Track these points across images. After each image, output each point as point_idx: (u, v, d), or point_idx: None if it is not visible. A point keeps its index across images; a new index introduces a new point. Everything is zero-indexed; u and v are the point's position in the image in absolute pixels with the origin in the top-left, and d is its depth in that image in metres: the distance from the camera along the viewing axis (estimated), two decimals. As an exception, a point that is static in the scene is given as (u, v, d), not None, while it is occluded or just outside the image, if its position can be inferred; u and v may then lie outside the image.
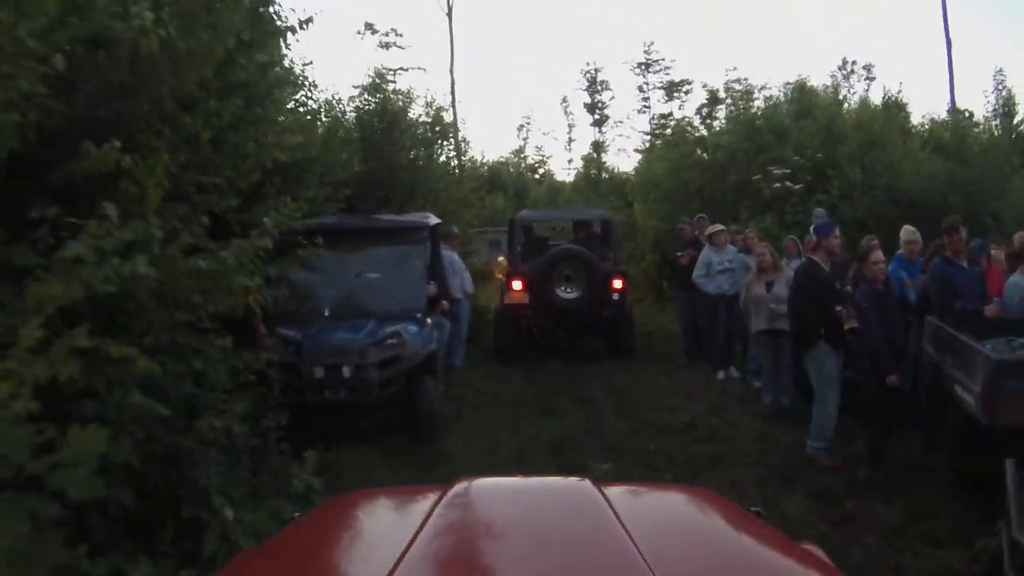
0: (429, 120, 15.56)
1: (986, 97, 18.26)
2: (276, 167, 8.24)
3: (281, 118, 5.97)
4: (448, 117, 18.24)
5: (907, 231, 7.72)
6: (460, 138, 29.92)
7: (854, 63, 38.17)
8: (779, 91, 18.69)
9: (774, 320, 7.95)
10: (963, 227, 6.90)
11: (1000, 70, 18.13)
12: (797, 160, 14.83)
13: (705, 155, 17.28)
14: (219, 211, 5.33)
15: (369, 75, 13.18)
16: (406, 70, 35.37)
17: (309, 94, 10.61)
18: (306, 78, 10.55)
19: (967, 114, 19.27)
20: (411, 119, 13.27)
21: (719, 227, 10.21)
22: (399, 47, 40.32)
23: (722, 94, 20.68)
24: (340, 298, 7.67)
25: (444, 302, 8.97)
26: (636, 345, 11.39)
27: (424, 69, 47.16)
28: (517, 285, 10.82)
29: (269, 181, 7.64)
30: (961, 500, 5.93)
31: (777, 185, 14.25)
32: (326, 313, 7.52)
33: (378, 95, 12.79)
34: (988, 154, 14.00)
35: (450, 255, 10.38)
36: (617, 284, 10.79)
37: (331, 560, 2.12)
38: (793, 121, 16.51)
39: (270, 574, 2.05)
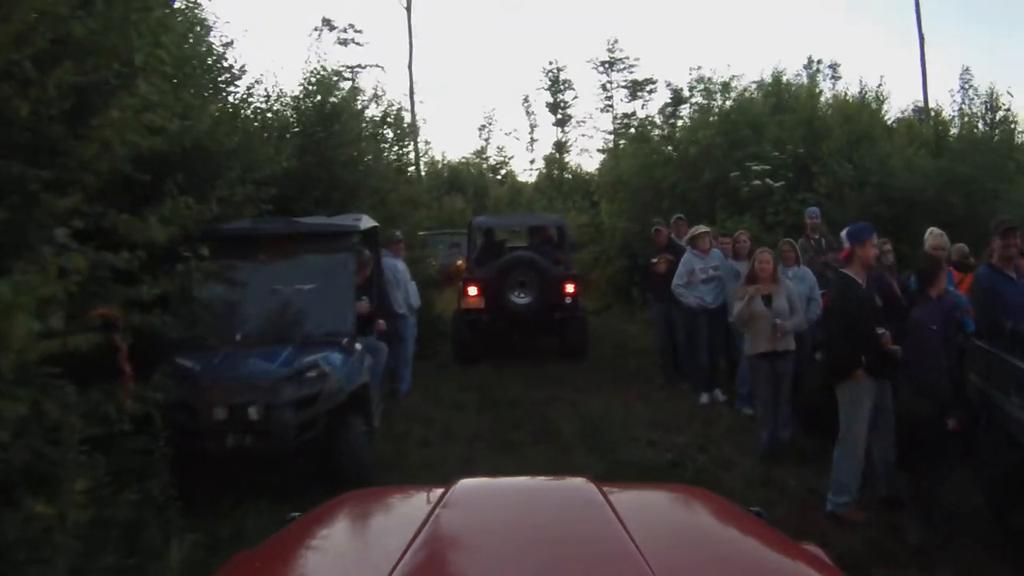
0: (378, 115, 14.43)
1: (952, 96, 17.34)
2: (182, 160, 6.98)
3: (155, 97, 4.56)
4: (406, 115, 17.25)
5: (935, 235, 6.45)
6: (419, 137, 28.93)
7: (819, 62, 37.66)
8: (753, 85, 17.61)
9: (778, 340, 6.72)
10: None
11: (967, 69, 17.19)
12: (777, 156, 13.72)
13: (673, 151, 16.15)
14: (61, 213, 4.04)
15: (310, 63, 11.67)
16: (363, 67, 34.40)
17: (232, 80, 9.35)
18: (223, 58, 9.26)
19: (933, 112, 18.43)
20: (355, 111, 11.82)
21: (703, 228, 8.91)
22: (357, 44, 39.25)
23: (686, 93, 19.90)
24: (249, 320, 6.29)
25: (380, 321, 7.60)
26: (588, 347, 11.47)
27: (382, 67, 46.11)
28: (473, 291, 11.03)
29: (169, 177, 6.44)
30: (1017, 562, 4.81)
31: (757, 182, 13.10)
32: (237, 338, 6.15)
33: (320, 87, 11.30)
34: (984, 151, 12.95)
35: (393, 263, 9.03)
36: (569, 288, 10.99)
37: (331, 560, 2.12)
38: (770, 115, 15.43)
39: (269, 574, 2.03)
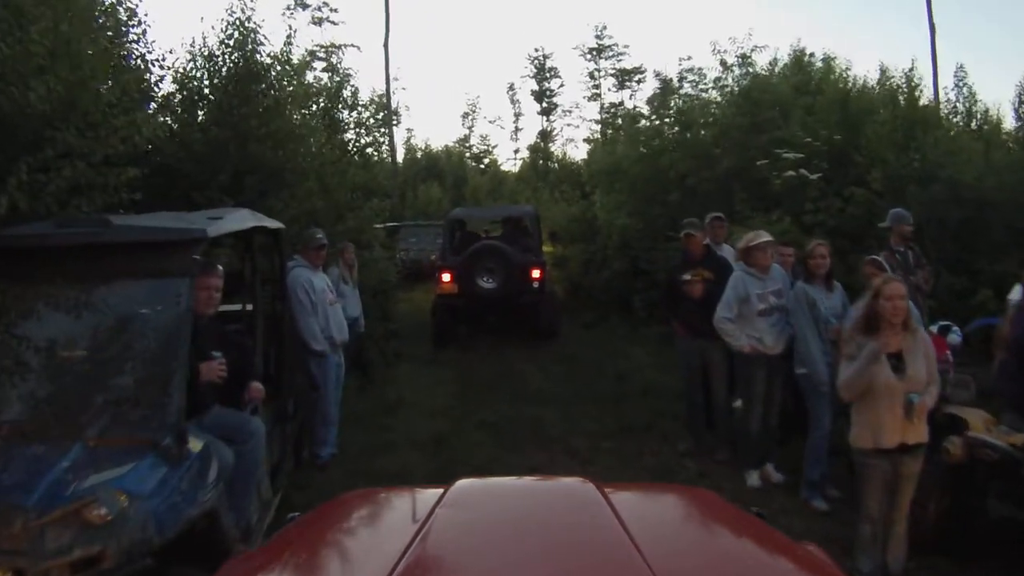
0: (331, 84, 12.41)
1: (946, 94, 15.24)
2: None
3: None
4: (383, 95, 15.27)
5: None
6: (395, 119, 26.60)
7: (812, 55, 35.50)
8: (772, 60, 15.22)
9: (909, 427, 4.16)
10: None
11: (961, 66, 15.04)
12: (809, 142, 11.17)
13: (679, 135, 13.72)
14: None
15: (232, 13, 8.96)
16: (339, 47, 32.01)
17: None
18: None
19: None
20: (287, 72, 9.10)
21: (764, 236, 6.04)
22: (332, 22, 37.01)
23: (676, 83, 18.11)
24: (15, 395, 3.64)
25: (256, 384, 4.75)
26: (560, 328, 12.43)
27: (359, 47, 43.65)
28: (446, 278, 11.91)
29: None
30: None
31: (790, 173, 10.56)
32: None
33: (237, 43, 8.62)
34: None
35: (308, 278, 6.27)
36: (535, 274, 11.80)
37: (330, 560, 2.08)
38: (795, 97, 12.92)
39: (269, 573, 1.96)
